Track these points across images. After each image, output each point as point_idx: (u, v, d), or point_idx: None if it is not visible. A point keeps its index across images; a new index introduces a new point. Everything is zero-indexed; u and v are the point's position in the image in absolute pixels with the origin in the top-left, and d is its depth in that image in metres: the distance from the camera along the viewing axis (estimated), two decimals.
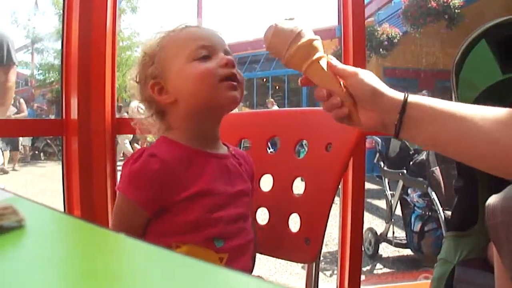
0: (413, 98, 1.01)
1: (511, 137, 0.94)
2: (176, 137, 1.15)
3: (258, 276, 1.18)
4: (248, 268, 1.22)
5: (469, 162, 1.09)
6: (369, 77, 1.02)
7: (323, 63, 1.04)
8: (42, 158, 12.85)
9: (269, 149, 1.50)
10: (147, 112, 1.20)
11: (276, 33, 1.04)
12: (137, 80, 1.19)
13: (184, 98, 1.13)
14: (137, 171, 1.06)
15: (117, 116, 1.99)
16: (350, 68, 1.04)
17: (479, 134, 0.98)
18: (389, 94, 1.02)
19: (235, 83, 1.12)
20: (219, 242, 1.11)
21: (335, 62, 1.04)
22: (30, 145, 12.84)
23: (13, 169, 9.98)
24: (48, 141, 12.85)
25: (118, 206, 1.12)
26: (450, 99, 1.00)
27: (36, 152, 13.22)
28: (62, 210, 1.93)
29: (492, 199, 1.13)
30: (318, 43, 1.05)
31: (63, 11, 1.97)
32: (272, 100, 14.68)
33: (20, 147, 10.96)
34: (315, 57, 1.03)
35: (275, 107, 12.93)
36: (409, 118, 1.01)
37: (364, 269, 4.03)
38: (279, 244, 1.38)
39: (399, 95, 1.02)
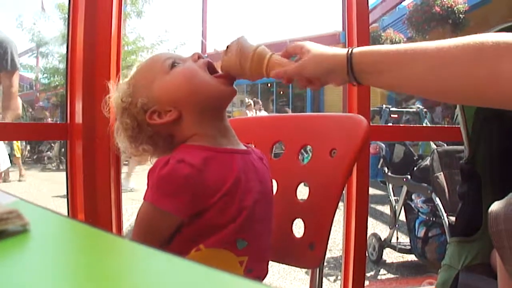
0: (357, 50, 1.06)
1: (480, 71, 0.92)
2: (196, 142, 1.13)
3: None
4: (264, 274, 1.22)
5: (437, 98, 1.10)
6: (310, 61, 1.09)
7: (275, 61, 1.15)
8: (46, 162, 12.83)
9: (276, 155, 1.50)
10: (153, 150, 1.19)
11: (227, 61, 1.15)
12: (131, 132, 1.18)
13: (186, 104, 1.13)
14: (166, 178, 1.02)
15: None
16: (288, 62, 1.13)
17: (435, 72, 0.97)
18: (335, 56, 1.07)
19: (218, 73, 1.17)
20: (242, 243, 1.09)
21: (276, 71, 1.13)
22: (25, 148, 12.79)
23: (19, 180, 9.28)
24: (52, 144, 12.84)
25: (145, 216, 1.07)
26: (454, 106, 1.00)
27: (40, 155, 13.20)
28: (66, 214, 1.93)
29: (495, 206, 1.12)
30: (261, 48, 1.15)
31: (68, 15, 1.98)
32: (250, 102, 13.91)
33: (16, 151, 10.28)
34: (265, 60, 1.14)
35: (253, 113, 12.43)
36: (361, 72, 1.05)
37: (368, 274, 4.02)
38: (283, 249, 1.37)
39: (343, 52, 1.07)
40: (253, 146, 1.28)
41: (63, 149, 12.56)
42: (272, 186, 1.27)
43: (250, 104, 11.89)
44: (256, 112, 11.65)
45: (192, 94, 1.13)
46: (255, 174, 1.15)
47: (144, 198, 1.05)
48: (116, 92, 1.21)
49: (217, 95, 1.15)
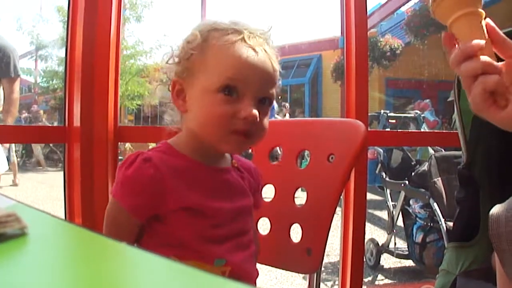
0: None
1: None
2: (178, 145, 1.10)
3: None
4: (253, 275, 1.18)
5: None
6: None
7: (480, 20, 0.86)
8: (47, 164, 12.85)
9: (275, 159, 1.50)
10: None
11: None
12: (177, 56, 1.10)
13: (192, 120, 1.09)
14: (130, 177, 1.02)
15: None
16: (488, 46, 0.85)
17: None
18: None
19: (243, 137, 1.04)
20: (220, 262, 1.07)
21: (495, 26, 0.86)
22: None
23: (13, 183, 8.81)
24: (53, 147, 12.86)
25: (109, 211, 1.08)
26: (452, 111, 0.97)
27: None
28: (63, 217, 1.92)
29: (496, 209, 1.13)
30: None
31: (68, 19, 1.98)
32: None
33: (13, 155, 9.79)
34: (472, 9, 0.85)
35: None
36: None
37: (365, 280, 4.01)
38: (280, 254, 1.37)
39: None
40: (238, 159, 1.24)
41: (23, 151, 12.64)
42: (248, 204, 1.18)
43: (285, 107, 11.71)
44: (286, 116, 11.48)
45: (200, 127, 1.07)
46: (228, 194, 1.12)
47: (110, 193, 1.07)
48: (198, 27, 1.10)
49: (216, 149, 1.09)
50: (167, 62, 1.12)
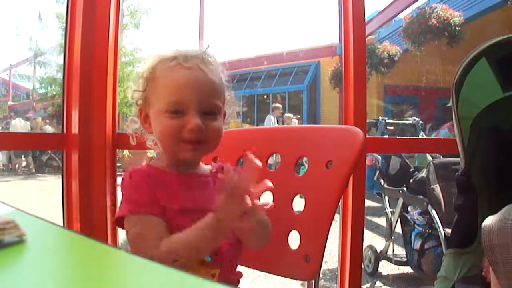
0: None
1: None
2: (157, 163, 1.23)
3: None
4: (239, 277, 1.25)
5: None
6: None
7: None
8: (46, 171, 12.85)
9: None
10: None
11: None
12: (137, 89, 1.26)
13: (156, 138, 1.23)
14: (128, 185, 1.14)
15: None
16: None
17: None
18: None
19: (194, 145, 1.16)
20: (206, 257, 1.13)
21: None
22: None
23: None
24: (52, 154, 12.88)
25: (127, 229, 1.13)
26: (451, 118, 0.98)
27: (40, 165, 13.23)
28: (61, 224, 1.92)
29: (488, 221, 1.13)
30: None
31: (66, 25, 1.98)
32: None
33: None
34: None
35: None
36: None
37: (363, 286, 4.01)
38: (279, 261, 1.37)
39: None
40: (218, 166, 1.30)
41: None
42: None
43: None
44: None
45: (160, 143, 1.22)
46: (208, 195, 1.19)
47: (117, 215, 1.15)
48: (145, 62, 1.27)
49: (177, 158, 1.20)
50: (132, 97, 1.27)
